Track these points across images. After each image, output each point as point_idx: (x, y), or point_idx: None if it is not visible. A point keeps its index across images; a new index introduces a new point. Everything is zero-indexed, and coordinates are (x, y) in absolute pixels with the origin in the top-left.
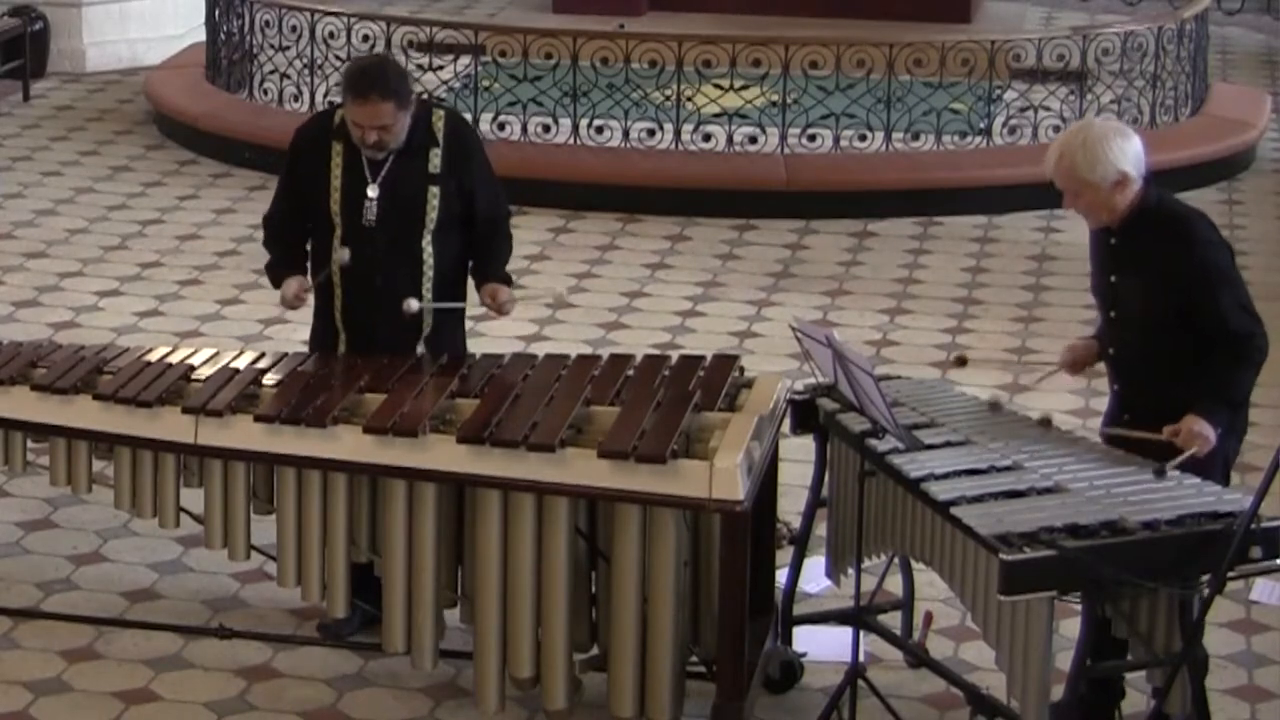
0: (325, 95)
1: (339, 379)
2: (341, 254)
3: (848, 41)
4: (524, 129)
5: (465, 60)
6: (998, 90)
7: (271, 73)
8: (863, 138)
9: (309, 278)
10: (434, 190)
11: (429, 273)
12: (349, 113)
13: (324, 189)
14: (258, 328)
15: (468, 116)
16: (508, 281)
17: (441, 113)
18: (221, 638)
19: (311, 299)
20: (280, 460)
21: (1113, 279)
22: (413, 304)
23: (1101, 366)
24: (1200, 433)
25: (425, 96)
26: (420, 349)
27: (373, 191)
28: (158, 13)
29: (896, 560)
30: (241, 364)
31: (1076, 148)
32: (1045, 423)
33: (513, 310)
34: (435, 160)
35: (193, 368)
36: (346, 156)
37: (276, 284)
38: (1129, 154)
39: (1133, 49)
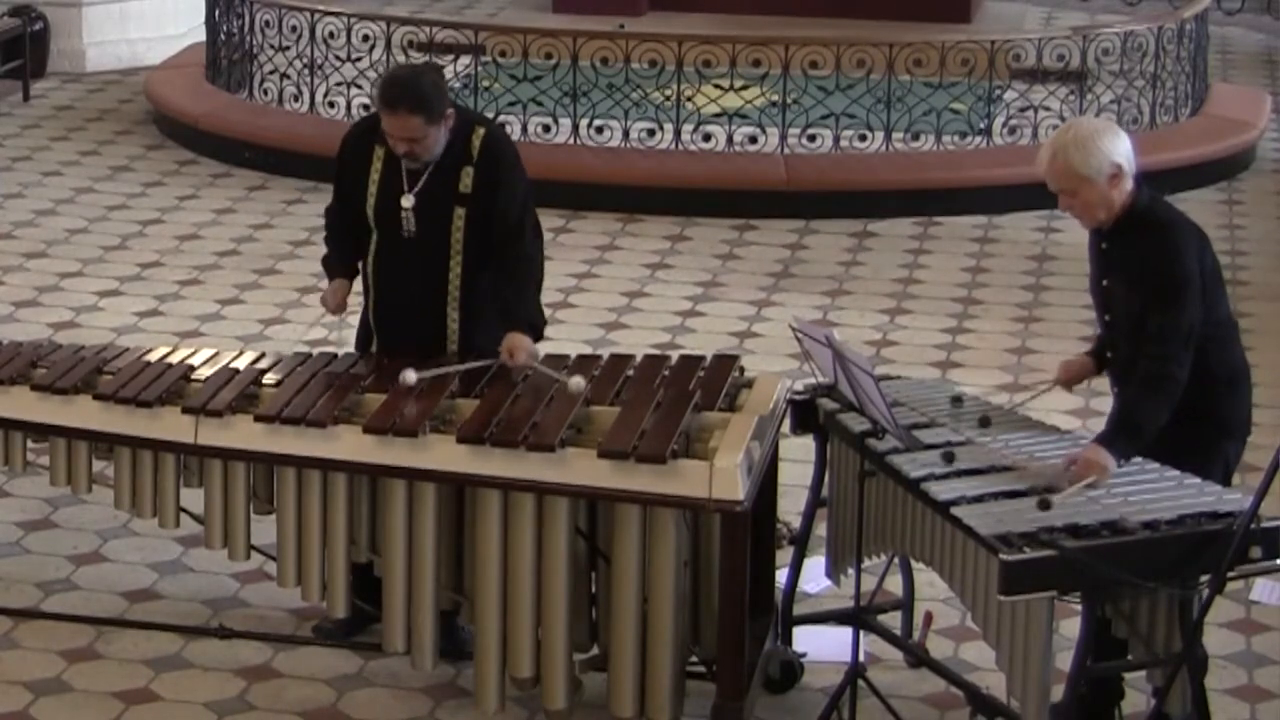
0: (325, 95)
1: (339, 379)
2: (406, 376)
3: (848, 41)
4: (524, 129)
5: (465, 60)
6: (998, 90)
7: (271, 73)
8: (863, 138)
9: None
10: (460, 211)
11: (455, 293)
12: (382, 121)
13: (362, 193)
14: (258, 328)
15: None
16: (534, 325)
17: (482, 130)
18: (221, 638)
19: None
20: (280, 460)
21: (1104, 283)
22: (409, 375)
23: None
24: (1097, 461)
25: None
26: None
27: (407, 202)
28: (158, 13)
29: (896, 560)
30: (241, 364)
31: (1069, 144)
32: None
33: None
34: (467, 179)
35: (193, 368)
36: (386, 163)
37: (329, 277)
38: (1119, 148)
39: (1133, 49)
